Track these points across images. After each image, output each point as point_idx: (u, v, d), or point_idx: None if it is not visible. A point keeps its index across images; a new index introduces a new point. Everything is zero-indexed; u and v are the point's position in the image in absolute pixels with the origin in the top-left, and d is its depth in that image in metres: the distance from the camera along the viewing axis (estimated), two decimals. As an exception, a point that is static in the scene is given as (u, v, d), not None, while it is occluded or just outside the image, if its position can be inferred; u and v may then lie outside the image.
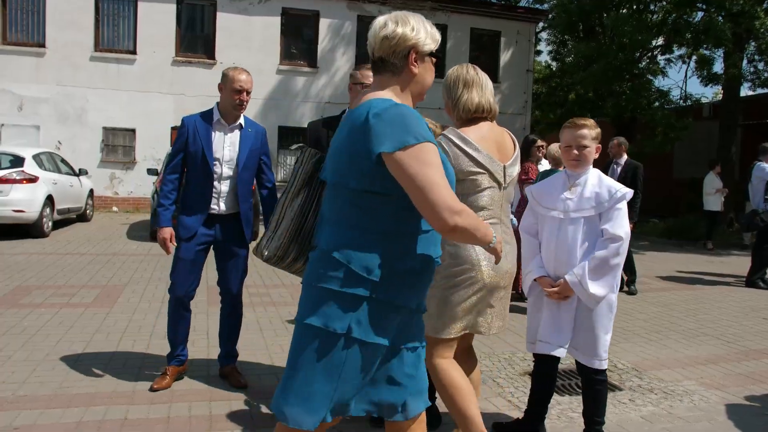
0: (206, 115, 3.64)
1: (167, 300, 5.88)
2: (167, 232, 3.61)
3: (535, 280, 2.94)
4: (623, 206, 2.77)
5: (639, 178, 6.94)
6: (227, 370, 3.77)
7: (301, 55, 17.42)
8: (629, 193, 2.77)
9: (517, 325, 5.54)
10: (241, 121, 3.69)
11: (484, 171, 2.61)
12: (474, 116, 2.71)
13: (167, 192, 3.65)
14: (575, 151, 2.87)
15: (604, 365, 2.84)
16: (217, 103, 3.67)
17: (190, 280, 3.64)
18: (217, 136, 3.61)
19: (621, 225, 2.74)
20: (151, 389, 3.54)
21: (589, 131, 2.86)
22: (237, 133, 3.67)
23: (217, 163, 3.58)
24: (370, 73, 3.35)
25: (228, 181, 3.63)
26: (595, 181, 2.87)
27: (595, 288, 2.73)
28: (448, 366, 2.61)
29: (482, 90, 2.71)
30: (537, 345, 2.92)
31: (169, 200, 3.64)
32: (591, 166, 2.93)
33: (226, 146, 3.62)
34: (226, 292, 3.77)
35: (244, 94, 3.58)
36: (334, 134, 3.34)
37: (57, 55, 15.41)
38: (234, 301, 3.79)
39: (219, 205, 3.62)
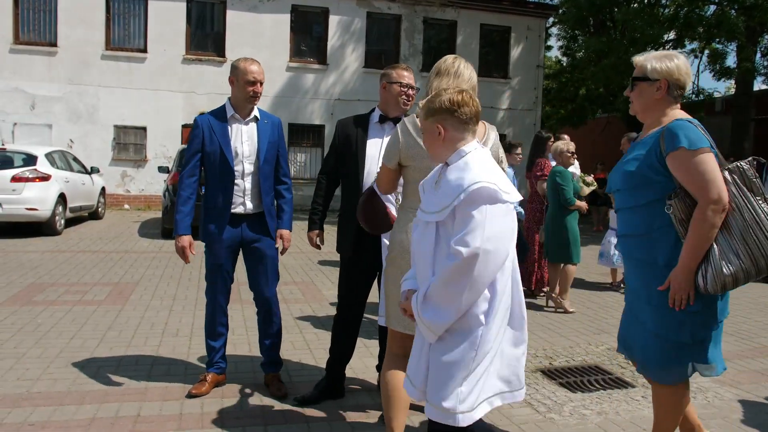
0: (219, 112, 3.51)
1: (179, 297, 5.92)
2: (185, 240, 3.45)
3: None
4: (478, 208, 2.00)
5: None
6: (268, 379, 3.65)
7: (311, 52, 17.42)
8: (483, 186, 2.01)
9: (529, 321, 5.51)
10: (256, 113, 3.56)
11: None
12: None
13: (186, 197, 3.47)
14: None
15: (458, 421, 2.04)
16: (229, 99, 3.53)
17: (225, 284, 3.56)
18: (233, 133, 3.47)
19: (470, 236, 1.99)
20: (189, 395, 3.45)
21: None
22: (253, 126, 3.53)
23: (236, 160, 3.45)
24: (407, 73, 3.38)
25: (250, 178, 3.48)
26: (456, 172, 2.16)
27: (428, 314, 2.08)
28: (388, 367, 2.65)
29: (455, 79, 2.67)
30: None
31: (187, 206, 3.46)
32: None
33: (244, 141, 3.48)
34: (259, 295, 3.62)
35: (258, 85, 3.44)
36: (363, 133, 3.36)
37: (69, 54, 15.51)
38: (268, 305, 3.63)
39: (245, 204, 3.49)
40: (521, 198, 2.20)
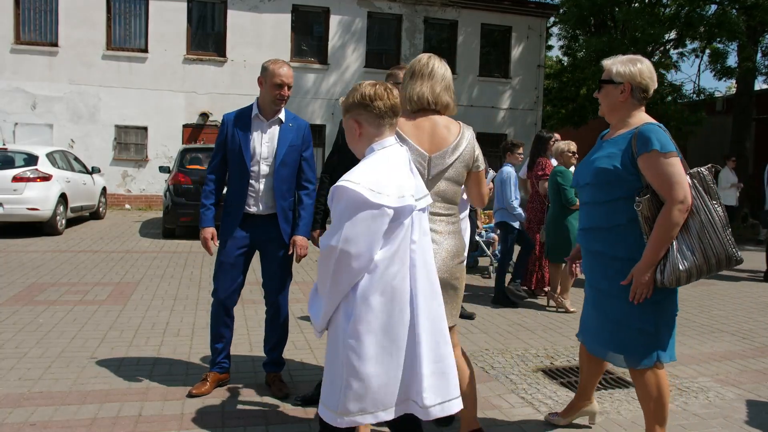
0: (245, 112, 3.52)
1: (180, 297, 5.92)
2: (209, 231, 3.52)
3: None
4: (340, 207, 1.96)
5: None
6: (269, 378, 3.65)
7: (312, 51, 17.42)
8: (343, 186, 1.94)
9: (530, 321, 5.52)
10: (281, 115, 3.51)
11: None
12: (420, 108, 2.66)
13: (208, 192, 3.55)
14: None
15: (337, 423, 2.00)
16: (257, 99, 3.52)
17: (231, 284, 3.54)
18: (255, 133, 3.46)
19: (330, 232, 2.00)
20: (189, 395, 3.45)
21: None
22: (276, 128, 3.50)
23: (253, 160, 3.44)
24: None
25: (265, 179, 3.47)
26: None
27: (312, 309, 2.14)
28: None
29: (428, 80, 2.65)
30: None
31: (210, 200, 3.53)
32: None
33: (264, 142, 3.46)
34: (267, 296, 3.65)
35: (285, 88, 3.42)
36: None
37: (70, 54, 15.52)
38: (276, 306, 3.64)
39: (258, 205, 3.48)
40: (414, 203, 2.03)
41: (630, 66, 2.62)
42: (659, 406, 2.68)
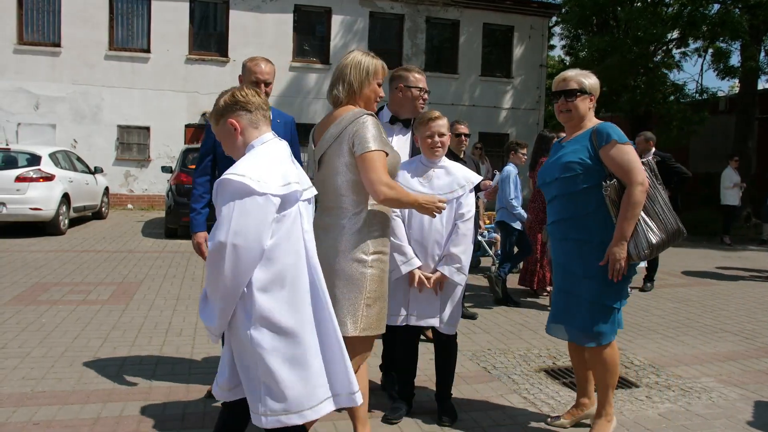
0: None
1: (182, 297, 5.92)
2: (201, 236, 3.46)
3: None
4: (226, 201, 1.98)
5: (673, 164, 6.54)
6: None
7: (314, 51, 17.42)
8: (227, 179, 1.98)
9: (533, 321, 5.52)
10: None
11: (310, 157, 2.78)
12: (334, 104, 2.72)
13: (198, 196, 3.47)
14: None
15: (263, 423, 2.02)
16: None
17: None
18: None
19: (217, 229, 2.02)
20: (207, 394, 3.43)
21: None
22: None
23: None
24: (422, 77, 3.42)
25: None
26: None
27: (203, 314, 2.15)
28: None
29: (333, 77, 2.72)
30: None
31: (200, 204, 3.47)
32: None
33: None
34: None
35: (262, 86, 3.38)
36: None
37: (72, 54, 15.54)
38: None
39: None
40: (300, 190, 2.06)
41: (592, 79, 3.00)
42: (614, 375, 3.00)
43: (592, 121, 3.01)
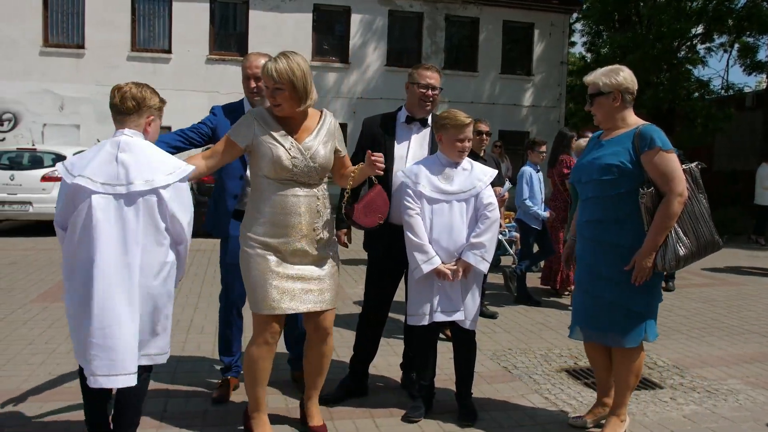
0: (237, 107, 3.45)
1: (204, 294, 5.96)
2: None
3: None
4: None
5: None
6: (296, 375, 3.59)
7: (333, 51, 17.46)
8: (59, 164, 2.67)
9: (554, 321, 5.47)
10: None
11: None
12: None
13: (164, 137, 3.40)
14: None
15: None
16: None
17: (240, 285, 3.37)
18: None
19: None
20: (213, 400, 3.39)
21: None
22: None
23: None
24: (428, 73, 3.38)
25: None
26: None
27: None
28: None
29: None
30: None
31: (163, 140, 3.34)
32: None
33: None
34: None
35: (252, 80, 3.31)
36: (390, 132, 3.41)
37: (95, 56, 15.77)
38: None
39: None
40: (94, 186, 2.39)
41: (614, 76, 2.92)
42: (636, 378, 3.03)
43: (633, 120, 2.95)
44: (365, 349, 3.54)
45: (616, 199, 2.86)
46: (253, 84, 3.37)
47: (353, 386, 3.51)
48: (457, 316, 3.15)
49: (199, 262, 7.85)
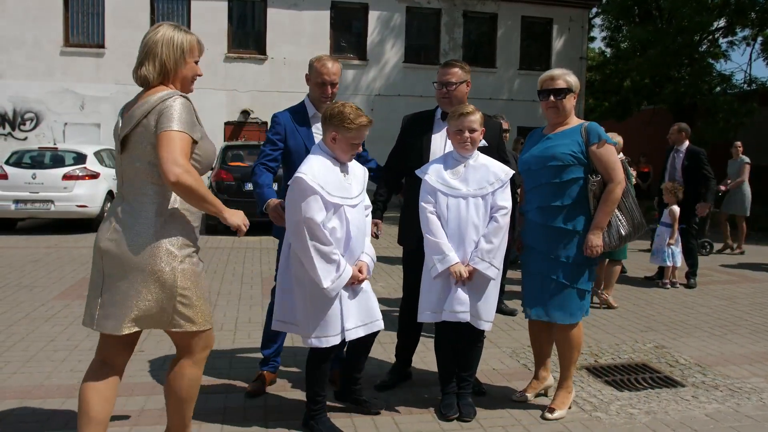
0: (299, 110, 3.47)
1: (223, 292, 5.99)
2: (274, 201, 3.27)
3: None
4: None
5: (704, 163, 6.77)
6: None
7: (351, 48, 17.48)
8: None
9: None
10: None
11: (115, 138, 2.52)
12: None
13: (261, 182, 3.35)
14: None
15: None
16: (308, 95, 3.51)
17: None
18: (316, 131, 3.39)
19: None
20: (247, 394, 3.44)
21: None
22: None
23: None
24: (445, 69, 3.42)
25: None
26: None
27: None
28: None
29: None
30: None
31: (265, 182, 3.33)
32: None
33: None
34: None
35: (327, 87, 3.37)
36: (428, 128, 3.45)
37: (115, 55, 15.94)
38: None
39: None
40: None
41: (573, 77, 3.28)
42: (578, 351, 3.34)
43: (575, 118, 3.31)
44: (409, 337, 3.69)
45: (566, 185, 3.17)
46: (329, 91, 3.41)
47: (401, 371, 3.71)
48: (467, 317, 3.12)
49: (218, 260, 7.91)
